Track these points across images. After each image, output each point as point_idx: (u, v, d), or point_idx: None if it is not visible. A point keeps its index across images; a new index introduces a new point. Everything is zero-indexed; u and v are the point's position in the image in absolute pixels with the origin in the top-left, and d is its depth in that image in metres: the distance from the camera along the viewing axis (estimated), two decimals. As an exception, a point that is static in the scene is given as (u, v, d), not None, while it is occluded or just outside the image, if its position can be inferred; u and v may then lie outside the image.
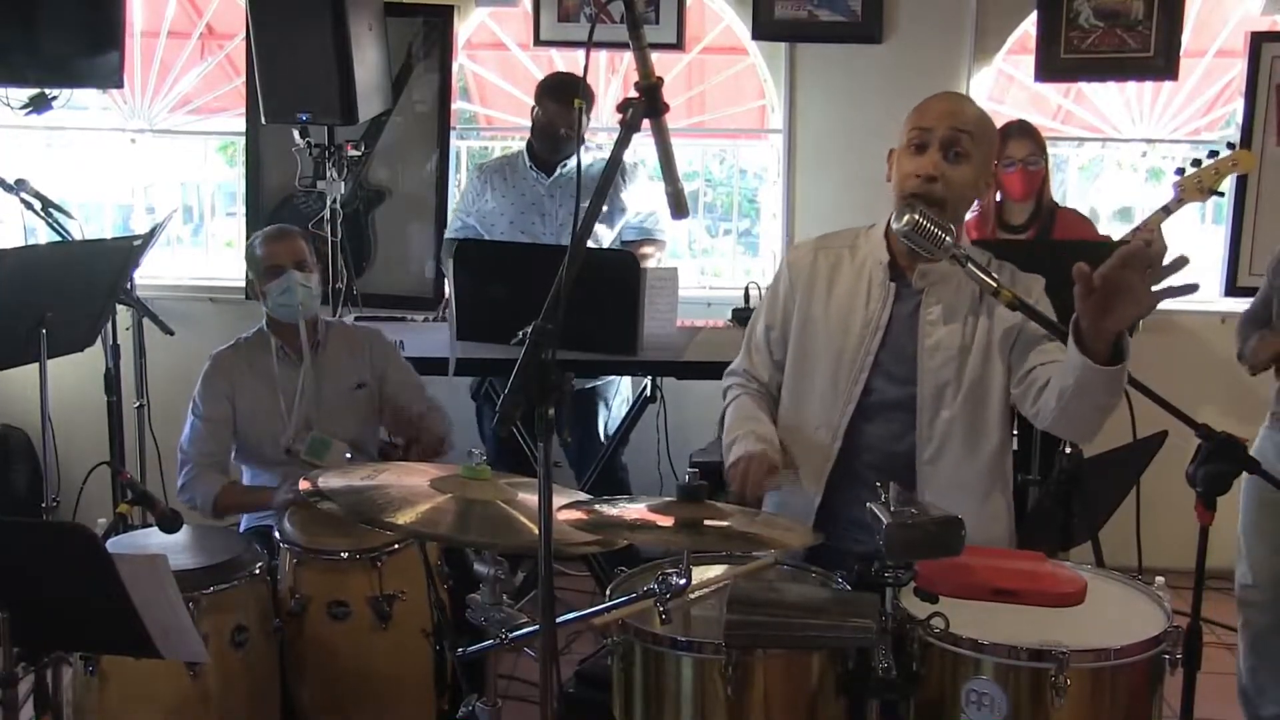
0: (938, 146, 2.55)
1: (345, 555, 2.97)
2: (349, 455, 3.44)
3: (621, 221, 4.76)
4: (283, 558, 3.03)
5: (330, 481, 2.35)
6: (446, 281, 4.73)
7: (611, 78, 5.73)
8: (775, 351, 2.84)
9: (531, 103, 4.70)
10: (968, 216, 4.53)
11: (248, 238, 5.31)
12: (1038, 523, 3.44)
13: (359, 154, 5.06)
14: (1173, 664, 2.18)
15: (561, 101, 4.58)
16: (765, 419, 2.78)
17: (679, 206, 2.10)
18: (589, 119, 4.76)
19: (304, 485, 2.32)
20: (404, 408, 3.59)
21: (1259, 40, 5.18)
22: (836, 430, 2.69)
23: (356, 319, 4.53)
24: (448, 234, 4.93)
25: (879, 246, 2.71)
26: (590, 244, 4.41)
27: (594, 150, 5.33)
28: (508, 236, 4.65)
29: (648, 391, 4.51)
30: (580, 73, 2.06)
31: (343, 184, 4.95)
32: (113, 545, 2.78)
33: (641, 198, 4.75)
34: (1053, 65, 5.26)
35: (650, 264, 4.59)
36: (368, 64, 4.74)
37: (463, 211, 4.88)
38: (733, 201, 6.17)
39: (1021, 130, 4.48)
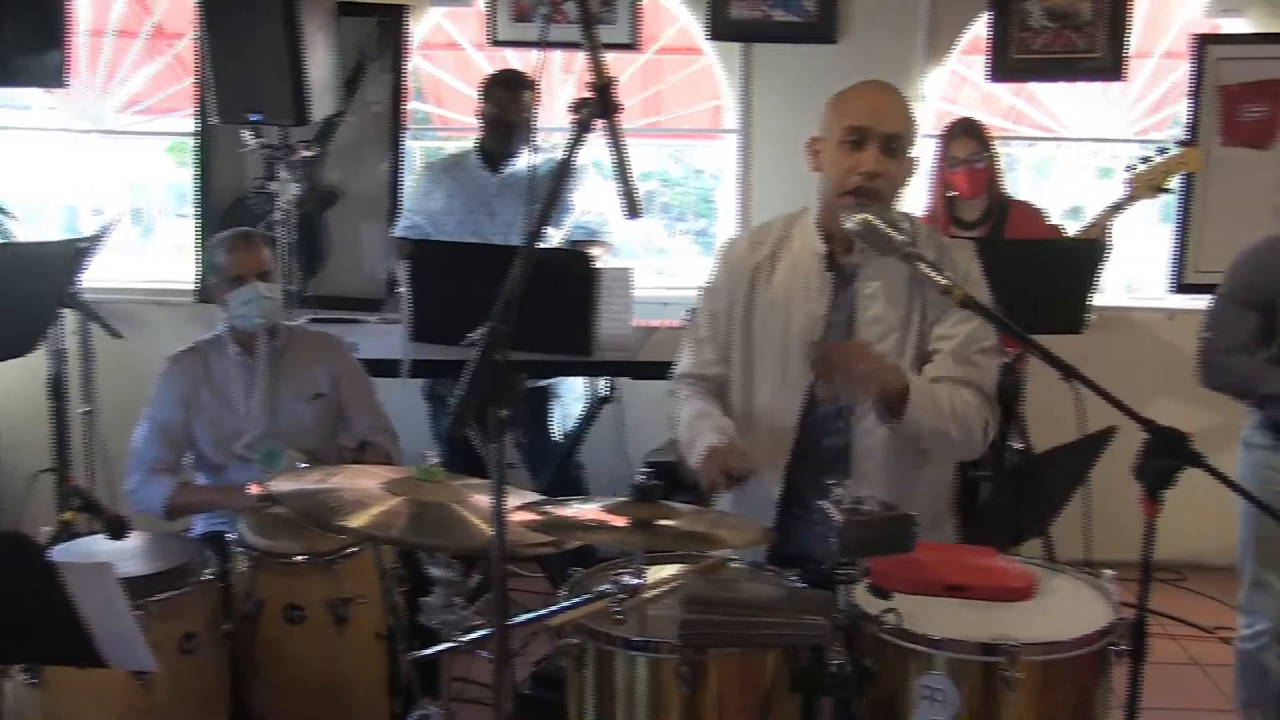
0: (877, 144, 2.58)
1: (301, 558, 2.95)
2: (303, 465, 3.42)
3: (569, 221, 4.76)
4: (237, 561, 3.00)
5: (283, 485, 2.34)
6: (400, 282, 4.72)
7: (567, 78, 5.73)
8: (721, 341, 2.85)
9: (481, 102, 4.70)
10: (919, 216, 4.59)
11: (199, 240, 5.31)
12: (988, 518, 3.46)
13: (311, 154, 5.03)
14: (1119, 655, 2.21)
15: (508, 89, 4.60)
16: (720, 414, 2.79)
17: (632, 207, 2.10)
18: (535, 115, 4.77)
19: (255, 489, 2.31)
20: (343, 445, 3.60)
21: (1203, 42, 5.25)
22: (791, 422, 2.71)
23: (310, 321, 4.50)
24: (396, 232, 4.91)
25: (813, 237, 2.74)
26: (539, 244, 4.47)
27: (545, 151, 5.33)
28: (455, 235, 4.64)
29: (604, 392, 4.51)
30: (535, 72, 2.07)
31: (295, 185, 4.92)
32: (58, 553, 2.75)
33: (589, 198, 4.76)
34: (1004, 66, 5.31)
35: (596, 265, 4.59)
36: (320, 64, 4.71)
37: (411, 210, 4.87)
38: (689, 201, 6.19)
39: (964, 129, 4.53)
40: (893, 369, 2.56)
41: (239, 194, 5.27)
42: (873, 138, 2.58)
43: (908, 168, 2.67)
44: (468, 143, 4.90)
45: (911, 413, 2.53)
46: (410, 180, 5.34)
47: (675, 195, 6.35)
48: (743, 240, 2.87)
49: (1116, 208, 4.40)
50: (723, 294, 2.83)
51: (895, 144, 2.59)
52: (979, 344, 2.66)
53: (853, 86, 2.69)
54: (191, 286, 5.30)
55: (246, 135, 4.80)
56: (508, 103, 4.60)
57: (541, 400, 4.81)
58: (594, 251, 4.75)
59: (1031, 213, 4.63)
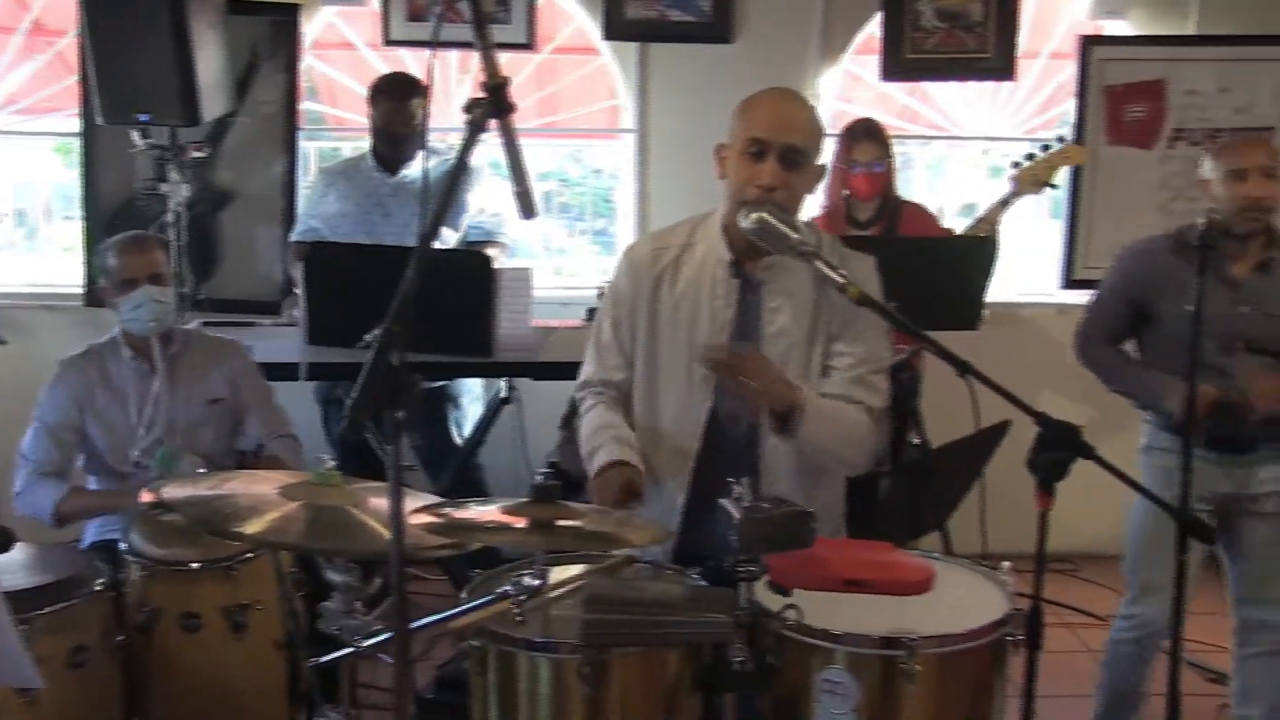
0: (776, 157, 2.57)
1: (197, 565, 2.89)
2: (201, 470, 3.35)
3: (465, 221, 4.73)
4: (130, 571, 2.93)
5: (175, 491, 2.29)
6: (296, 286, 4.66)
7: (463, 78, 5.69)
8: (625, 347, 2.83)
9: (369, 108, 4.65)
10: (816, 214, 4.63)
11: (86, 242, 5.18)
12: (888, 514, 3.51)
13: (203, 155, 4.94)
14: (1016, 644, 2.25)
15: (394, 100, 4.55)
16: (622, 424, 2.78)
17: (527, 207, 2.09)
18: (427, 118, 4.72)
19: (148, 496, 2.26)
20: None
21: (1088, 43, 5.37)
22: (697, 429, 2.71)
23: (204, 325, 4.42)
24: (293, 236, 4.85)
25: (719, 243, 2.72)
26: (436, 245, 4.44)
27: (441, 152, 5.29)
28: (350, 238, 4.58)
29: (503, 393, 4.49)
30: (428, 74, 2.04)
31: (186, 186, 4.82)
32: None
33: (485, 198, 4.73)
34: (897, 65, 5.38)
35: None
36: (210, 63, 4.63)
37: (306, 214, 4.82)
38: (588, 201, 6.19)
39: (867, 133, 4.55)
40: (787, 384, 2.55)
41: (128, 195, 5.16)
42: (772, 150, 2.56)
43: (809, 179, 2.65)
44: (363, 143, 4.85)
45: (804, 430, 2.54)
46: (305, 184, 5.27)
47: (574, 195, 6.34)
48: (645, 245, 2.84)
49: (1004, 203, 4.47)
50: (625, 299, 2.81)
51: (795, 157, 2.57)
52: (873, 365, 2.68)
53: (758, 95, 2.67)
54: (79, 290, 5.18)
55: (135, 136, 4.70)
56: (393, 114, 4.56)
57: (440, 402, 4.77)
58: (490, 252, 4.72)
59: (923, 215, 4.69)
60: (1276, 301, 3.38)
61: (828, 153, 4.72)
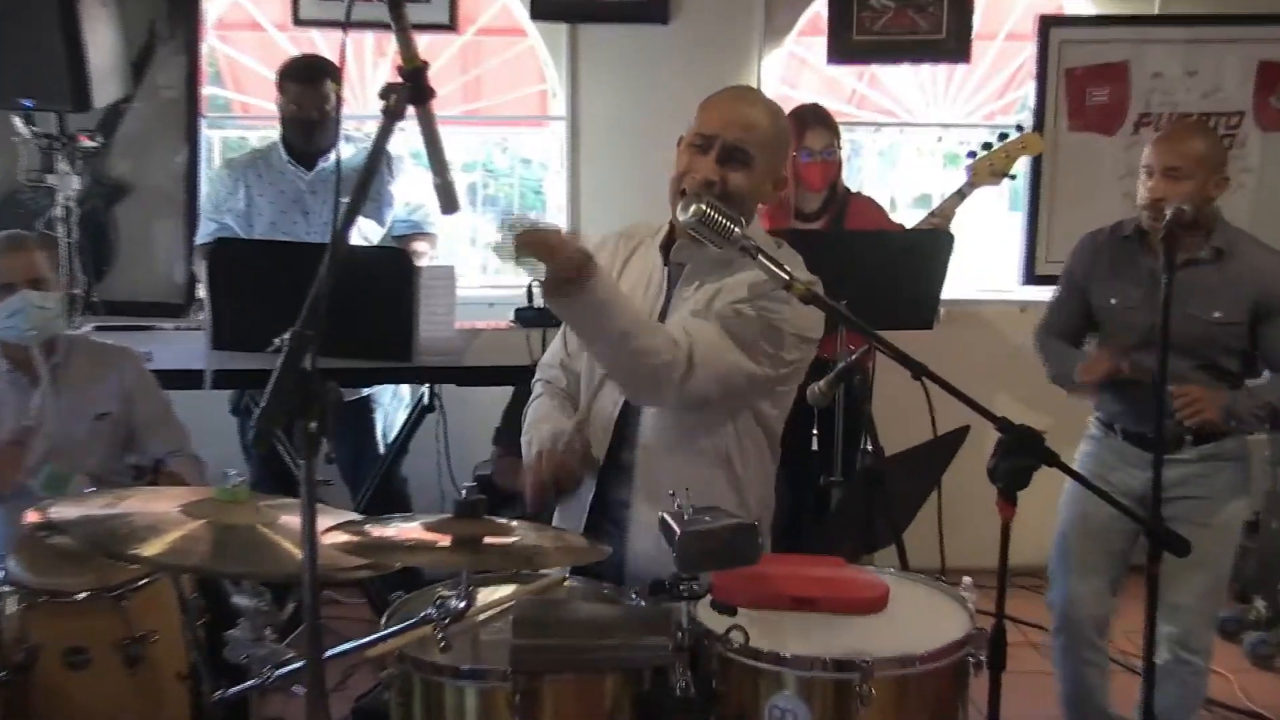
0: (717, 153, 2.60)
1: (83, 595, 2.84)
2: (90, 490, 3.30)
3: (391, 215, 4.71)
4: (6, 603, 2.86)
5: (64, 511, 2.26)
6: (201, 286, 4.61)
7: (380, 61, 5.66)
8: None
9: (278, 95, 4.62)
10: (760, 206, 4.64)
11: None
12: (839, 526, 3.52)
13: (95, 145, 4.88)
14: (978, 665, 2.26)
15: (304, 83, 4.53)
16: (562, 418, 2.80)
17: (449, 201, 2.08)
18: (341, 103, 4.68)
19: (33, 517, 2.21)
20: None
21: (1047, 24, 5.45)
22: (608, 422, 2.73)
23: (97, 329, 4.35)
24: (199, 239, 4.81)
25: (663, 233, 2.78)
26: (357, 241, 4.41)
27: (358, 140, 5.26)
28: (268, 238, 4.55)
29: (426, 400, 4.47)
30: (339, 57, 2.02)
31: (77, 178, 4.76)
32: None
33: (410, 190, 4.71)
34: (845, 47, 5.42)
35: (423, 262, 4.55)
36: (102, 44, 4.57)
37: (213, 212, 4.76)
38: (517, 192, 6.17)
39: (817, 118, 4.56)
40: (586, 256, 2.40)
41: (11, 188, 5.09)
42: (715, 145, 2.60)
43: (755, 182, 2.64)
44: (272, 132, 4.81)
45: (582, 304, 2.39)
46: (207, 178, 5.21)
47: (501, 186, 6.31)
48: (627, 230, 2.90)
49: (960, 195, 4.53)
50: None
51: (737, 155, 2.60)
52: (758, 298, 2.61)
53: (719, 91, 2.72)
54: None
55: (18, 123, 4.63)
56: (304, 99, 4.53)
57: (363, 411, 4.75)
58: (419, 246, 4.72)
59: (873, 207, 4.72)
60: (1199, 302, 3.44)
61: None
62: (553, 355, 2.98)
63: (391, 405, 4.90)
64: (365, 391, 4.68)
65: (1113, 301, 3.61)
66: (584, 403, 2.82)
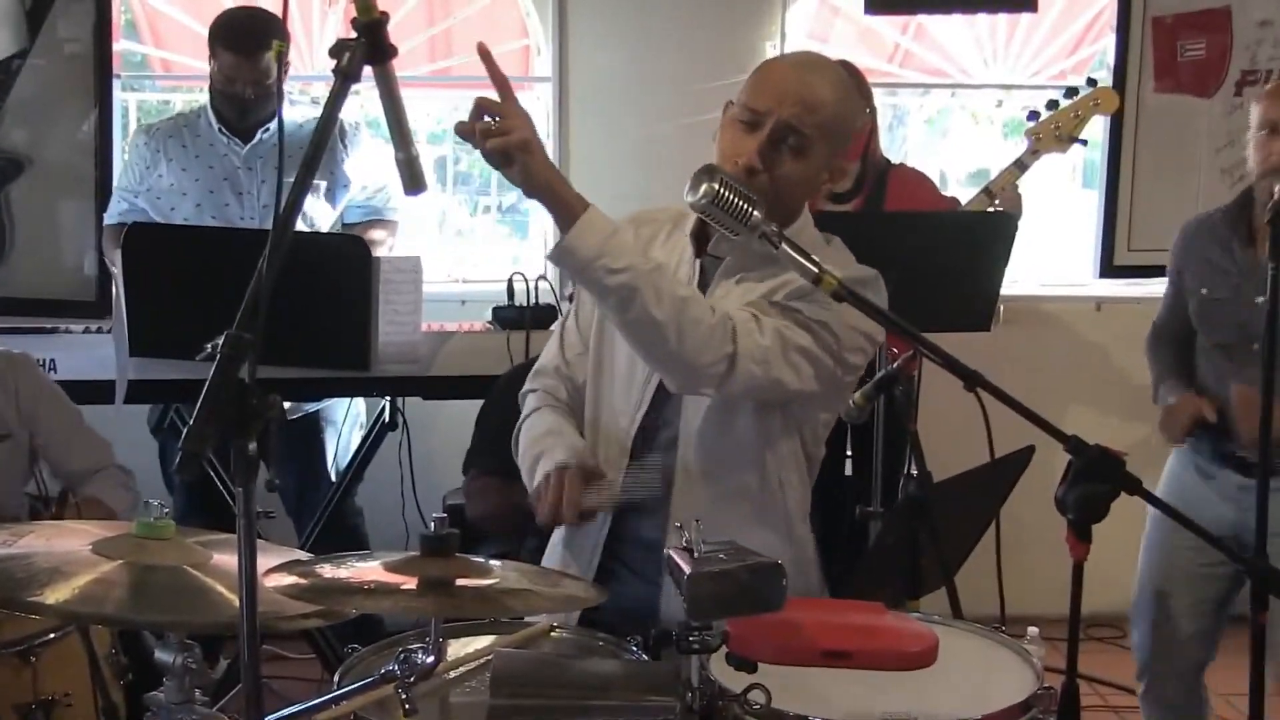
0: (769, 133, 2.60)
1: (-20, 651, 2.87)
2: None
3: (345, 198, 4.73)
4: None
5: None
6: (114, 280, 4.64)
7: (329, 12, 5.68)
8: (585, 324, 2.91)
9: (209, 59, 4.59)
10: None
11: None
12: (879, 565, 3.53)
13: (-18, 110, 4.91)
14: (1045, 732, 2.28)
15: (241, 52, 4.47)
16: (572, 430, 2.83)
17: (413, 178, 2.10)
18: (286, 68, 4.65)
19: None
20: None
21: (1131, -37, 5.46)
22: (624, 441, 2.76)
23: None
24: (108, 219, 4.83)
25: (693, 218, 2.78)
26: (303, 228, 4.43)
27: (303, 105, 5.27)
28: (193, 221, 4.57)
29: (385, 416, 4.48)
30: (278, 9, 2.01)
31: (-40, 152, 4.79)
32: None
33: (367, 168, 4.73)
34: (886, -6, 5.43)
35: (382, 251, 4.56)
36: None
37: (127, 190, 4.78)
38: (492, 170, 6.20)
39: None
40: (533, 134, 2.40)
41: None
42: (768, 123, 2.60)
43: (813, 173, 2.67)
44: (200, 95, 4.82)
45: (574, 241, 2.41)
46: (123, 149, 5.23)
47: (475, 162, 6.33)
48: (626, 219, 2.87)
49: (1020, 166, 4.49)
50: None
51: (794, 139, 2.60)
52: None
53: (781, 56, 2.73)
54: None
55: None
56: (239, 71, 4.49)
57: (311, 431, 4.76)
58: (377, 235, 4.73)
59: (918, 182, 4.73)
60: None
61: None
62: (548, 361, 2.98)
63: (346, 422, 4.90)
64: (313, 407, 4.69)
65: (1203, 292, 3.62)
66: (589, 416, 2.85)
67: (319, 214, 4.65)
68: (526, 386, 2.99)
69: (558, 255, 2.43)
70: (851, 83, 2.75)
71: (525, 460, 2.81)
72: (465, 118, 2.36)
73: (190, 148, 4.67)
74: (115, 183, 5.02)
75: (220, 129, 4.65)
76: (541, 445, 2.78)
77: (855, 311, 2.49)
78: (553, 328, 3.01)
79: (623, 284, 2.41)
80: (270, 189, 4.57)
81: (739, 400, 2.66)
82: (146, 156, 4.73)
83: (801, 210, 2.76)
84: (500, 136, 2.35)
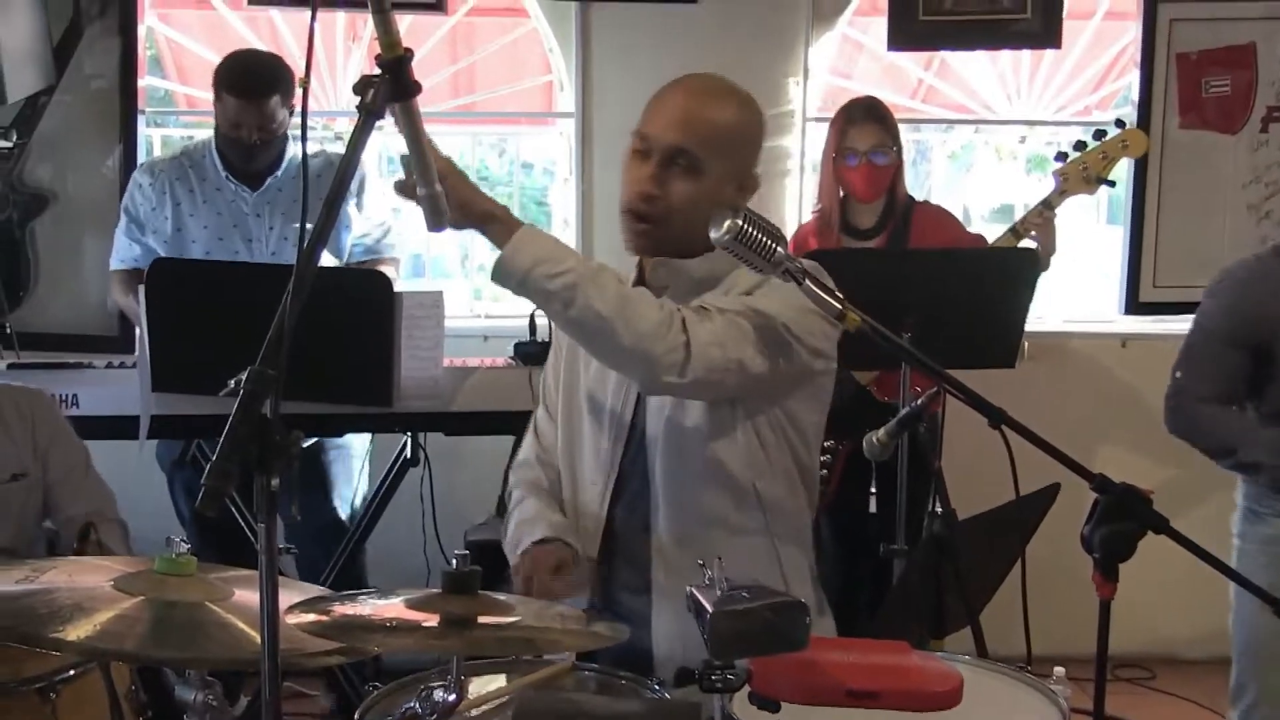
0: (659, 159, 2.65)
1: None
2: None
3: (349, 239, 4.73)
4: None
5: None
6: (134, 319, 4.65)
7: (352, 47, 5.70)
8: (551, 386, 2.96)
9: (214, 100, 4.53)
10: (805, 220, 4.65)
11: None
12: (903, 604, 3.52)
13: (9, 145, 4.93)
14: (1071, 776, 2.27)
15: (245, 96, 4.41)
16: (554, 512, 2.86)
17: (436, 215, 2.11)
18: (291, 111, 4.56)
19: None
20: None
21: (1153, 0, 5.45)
22: (598, 508, 2.79)
23: (10, 367, 4.39)
24: (115, 263, 4.76)
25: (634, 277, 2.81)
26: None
27: (315, 138, 5.26)
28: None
29: (407, 452, 4.48)
30: (304, 42, 2.03)
31: (-12, 187, 4.81)
32: None
33: (367, 205, 4.75)
34: (909, 30, 5.42)
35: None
36: (18, 27, 4.63)
37: (133, 231, 4.69)
38: (515, 204, 6.21)
39: (867, 113, 4.56)
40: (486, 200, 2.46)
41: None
42: (655, 150, 2.66)
43: (711, 190, 2.67)
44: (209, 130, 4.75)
45: (511, 254, 2.44)
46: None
47: (498, 196, 6.34)
48: None
49: (1047, 205, 4.49)
50: (561, 344, 2.93)
51: (681, 159, 2.64)
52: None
53: (671, 82, 2.75)
54: None
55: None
56: (244, 117, 4.42)
57: (310, 463, 4.72)
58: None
59: (943, 219, 4.73)
60: None
61: (818, 143, 4.80)
62: (528, 453, 2.99)
63: (354, 455, 4.88)
64: (312, 440, 4.62)
65: None
66: (567, 496, 2.87)
67: (323, 259, 4.61)
68: (510, 481, 3.01)
69: (497, 272, 2.46)
70: (742, 95, 2.76)
71: (509, 546, 2.84)
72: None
73: (198, 192, 4.62)
74: (119, 227, 4.83)
75: (227, 175, 4.59)
76: (523, 530, 2.81)
77: (803, 295, 2.48)
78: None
79: (565, 285, 2.44)
80: (279, 236, 4.57)
81: (708, 394, 2.64)
82: (152, 197, 4.65)
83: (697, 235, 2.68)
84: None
